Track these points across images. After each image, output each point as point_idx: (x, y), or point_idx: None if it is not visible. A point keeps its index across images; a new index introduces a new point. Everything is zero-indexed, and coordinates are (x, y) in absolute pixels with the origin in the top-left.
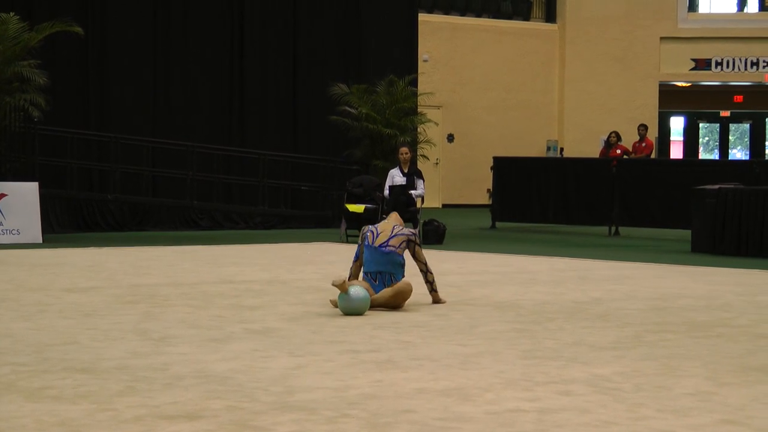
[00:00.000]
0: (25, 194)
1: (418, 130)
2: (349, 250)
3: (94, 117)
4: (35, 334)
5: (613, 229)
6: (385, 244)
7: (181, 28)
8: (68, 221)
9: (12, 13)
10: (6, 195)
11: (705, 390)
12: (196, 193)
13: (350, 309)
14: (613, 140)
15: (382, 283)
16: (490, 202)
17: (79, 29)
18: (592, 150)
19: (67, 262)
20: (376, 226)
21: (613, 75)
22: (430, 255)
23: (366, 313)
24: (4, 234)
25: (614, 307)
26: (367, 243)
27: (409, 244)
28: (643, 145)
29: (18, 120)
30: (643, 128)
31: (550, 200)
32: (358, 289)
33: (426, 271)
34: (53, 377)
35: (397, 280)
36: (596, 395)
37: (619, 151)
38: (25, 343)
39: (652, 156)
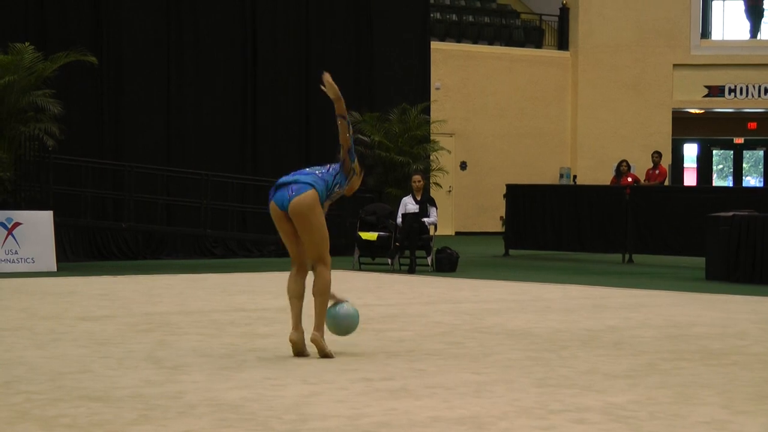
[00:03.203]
0: (40, 223)
1: (431, 157)
2: (362, 278)
3: (108, 146)
4: (49, 363)
5: (627, 256)
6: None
7: (194, 56)
8: (82, 250)
9: (27, 43)
10: (21, 224)
11: (720, 418)
12: (210, 222)
13: (340, 327)
14: (623, 169)
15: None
16: (504, 230)
17: (93, 59)
18: (606, 177)
19: (80, 290)
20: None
21: (626, 102)
22: (444, 283)
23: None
24: (18, 262)
25: (628, 335)
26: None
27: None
28: (657, 172)
29: (33, 149)
30: (657, 155)
31: (564, 227)
32: (348, 307)
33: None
34: (67, 406)
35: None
36: (611, 423)
37: (630, 179)
38: (39, 371)
39: (666, 183)
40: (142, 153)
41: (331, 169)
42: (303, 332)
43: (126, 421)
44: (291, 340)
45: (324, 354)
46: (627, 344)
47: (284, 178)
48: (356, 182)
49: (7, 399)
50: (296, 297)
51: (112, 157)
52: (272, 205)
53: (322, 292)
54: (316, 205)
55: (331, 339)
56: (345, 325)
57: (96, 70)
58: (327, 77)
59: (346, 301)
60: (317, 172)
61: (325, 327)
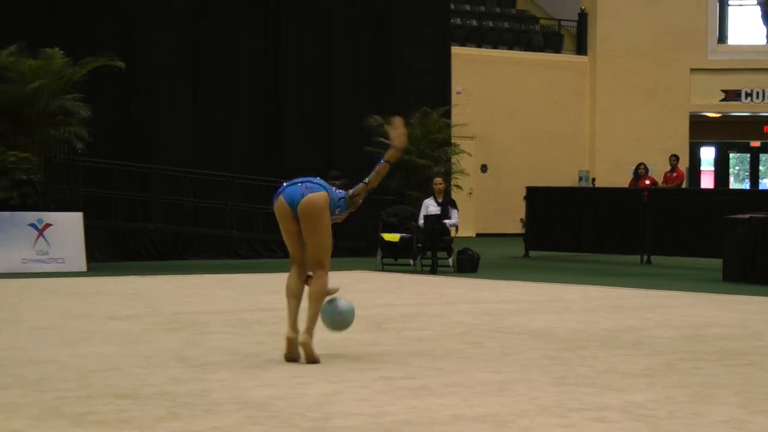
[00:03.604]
0: (70, 224)
1: (452, 160)
2: (384, 279)
3: (136, 148)
4: (79, 361)
5: (645, 257)
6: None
7: (220, 61)
8: (111, 250)
9: (56, 48)
10: (51, 225)
11: (738, 418)
12: (235, 223)
13: (336, 323)
14: (641, 172)
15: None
16: (524, 232)
17: (121, 63)
18: (624, 180)
19: (109, 290)
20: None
21: (643, 106)
22: (465, 283)
23: (378, 331)
24: (49, 263)
25: (647, 335)
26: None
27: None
28: (674, 175)
29: (62, 152)
30: (674, 158)
31: (583, 229)
32: (344, 302)
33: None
34: (96, 403)
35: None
36: (630, 422)
37: (647, 182)
38: (70, 369)
39: (683, 186)
40: (169, 156)
41: (338, 192)
42: (299, 332)
43: (154, 418)
44: (288, 338)
45: (311, 359)
46: (645, 344)
47: (294, 180)
48: (344, 216)
49: (38, 396)
50: (294, 296)
51: (140, 159)
52: (280, 201)
53: (318, 296)
54: (326, 208)
55: (357, 338)
56: (342, 320)
57: (123, 75)
58: (399, 122)
59: (336, 290)
60: (326, 185)
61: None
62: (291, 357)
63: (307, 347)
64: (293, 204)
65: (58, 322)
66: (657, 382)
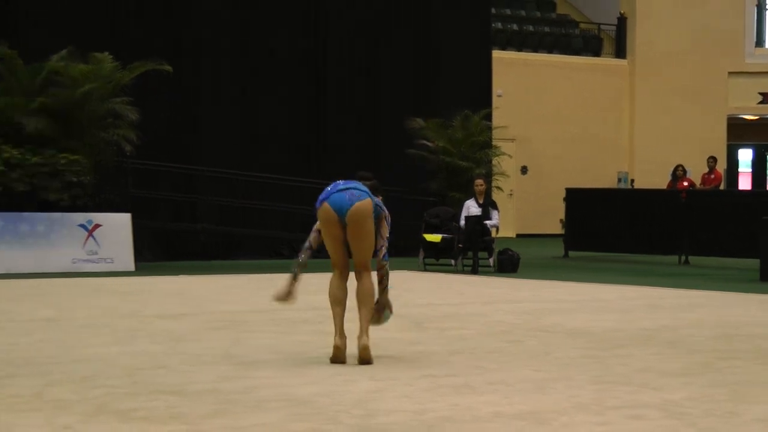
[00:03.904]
0: (119, 225)
1: (493, 162)
2: (426, 278)
3: (183, 151)
4: (127, 358)
5: (683, 258)
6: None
7: (266, 64)
8: (159, 250)
9: (106, 53)
10: (100, 225)
11: None
12: (279, 224)
13: None
14: (679, 173)
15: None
16: (563, 232)
17: (168, 67)
18: (662, 181)
19: (157, 289)
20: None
21: (682, 109)
22: (505, 283)
23: (420, 331)
24: (98, 262)
25: (683, 334)
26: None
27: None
28: (712, 176)
29: (111, 154)
30: (712, 160)
31: (621, 230)
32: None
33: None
34: (144, 399)
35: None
36: (667, 420)
37: (686, 184)
38: (118, 366)
39: (721, 187)
40: (215, 157)
41: (376, 199)
42: (346, 339)
43: (201, 415)
44: (336, 346)
45: (367, 361)
46: (682, 343)
47: (338, 184)
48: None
49: (87, 393)
50: (338, 302)
51: (186, 161)
52: (326, 208)
53: (368, 296)
54: (371, 215)
55: (399, 337)
56: None
57: (171, 78)
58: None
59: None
60: (366, 190)
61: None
62: (338, 360)
63: (367, 350)
64: (341, 212)
65: (107, 320)
66: (693, 381)
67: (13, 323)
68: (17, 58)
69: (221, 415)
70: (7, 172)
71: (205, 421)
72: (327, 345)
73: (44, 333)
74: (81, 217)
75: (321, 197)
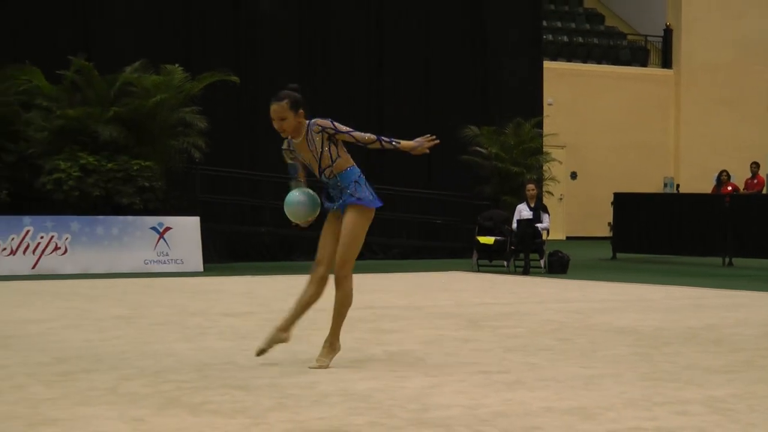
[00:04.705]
0: (188, 228)
1: (544, 168)
2: (480, 279)
3: (247, 157)
4: (196, 354)
5: (727, 259)
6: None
7: (325, 76)
8: (226, 252)
9: (177, 65)
10: (171, 228)
11: None
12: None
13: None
14: (724, 178)
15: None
16: (611, 235)
17: (235, 78)
18: (707, 186)
19: (224, 289)
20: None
21: (725, 116)
22: (556, 283)
23: (474, 329)
24: (169, 263)
25: (727, 332)
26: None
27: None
28: (755, 181)
29: (181, 161)
30: (755, 166)
31: (667, 233)
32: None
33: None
34: (212, 393)
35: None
36: (712, 415)
37: (729, 188)
38: (188, 362)
39: (764, 191)
40: (278, 163)
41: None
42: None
43: (264, 408)
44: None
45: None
46: (726, 341)
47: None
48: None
49: (158, 387)
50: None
51: (251, 167)
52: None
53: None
54: None
55: (454, 335)
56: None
57: (236, 88)
58: (425, 144)
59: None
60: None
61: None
62: (262, 351)
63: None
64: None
65: (177, 318)
66: (737, 378)
67: (88, 321)
68: (93, 70)
69: (283, 409)
70: (84, 178)
71: (268, 414)
72: (382, 342)
73: (118, 330)
74: (152, 220)
75: (377, 198)
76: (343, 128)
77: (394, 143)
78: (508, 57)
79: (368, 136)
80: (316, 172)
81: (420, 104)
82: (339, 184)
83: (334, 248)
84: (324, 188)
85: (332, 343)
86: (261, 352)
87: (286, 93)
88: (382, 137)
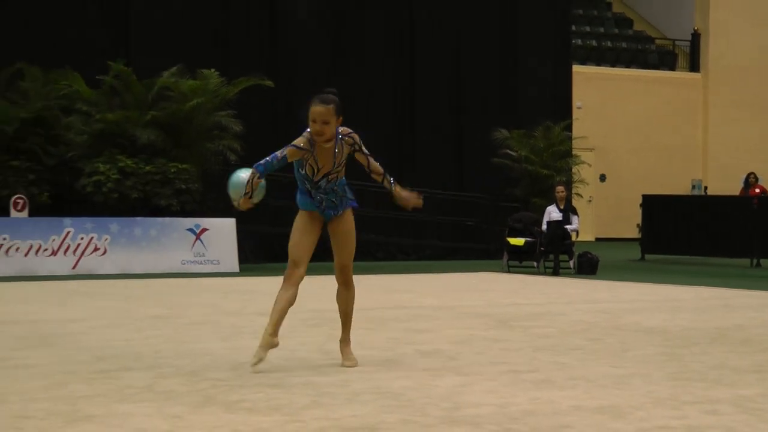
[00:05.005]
0: (224, 229)
1: (573, 170)
2: (510, 280)
3: None
4: (231, 353)
5: (755, 261)
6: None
7: (358, 81)
8: (261, 253)
9: (212, 70)
10: (207, 229)
11: None
12: (372, 228)
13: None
14: (752, 180)
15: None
16: (640, 236)
17: (270, 82)
18: (735, 188)
19: (259, 289)
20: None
21: (752, 120)
22: (585, 284)
23: (505, 329)
24: (205, 264)
25: (756, 333)
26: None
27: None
28: None
29: (217, 163)
30: None
31: (695, 234)
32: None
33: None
34: (247, 391)
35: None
36: (741, 415)
37: (757, 190)
38: (223, 360)
39: None
40: None
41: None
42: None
43: (299, 406)
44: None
45: (354, 364)
46: (754, 341)
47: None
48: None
49: (195, 385)
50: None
51: (283, 170)
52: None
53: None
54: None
55: (484, 334)
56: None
57: (270, 92)
58: (414, 200)
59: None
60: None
61: None
62: (259, 360)
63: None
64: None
65: (213, 317)
66: (766, 377)
67: (126, 320)
68: (132, 75)
69: (317, 406)
70: (123, 180)
71: (302, 412)
72: (415, 341)
73: (155, 329)
74: (189, 221)
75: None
76: (365, 150)
77: (393, 184)
78: (538, 61)
79: (380, 167)
80: (317, 176)
81: (451, 108)
82: (337, 188)
83: (312, 249)
84: (310, 192)
85: (348, 340)
86: (260, 359)
87: (333, 98)
88: (387, 174)
